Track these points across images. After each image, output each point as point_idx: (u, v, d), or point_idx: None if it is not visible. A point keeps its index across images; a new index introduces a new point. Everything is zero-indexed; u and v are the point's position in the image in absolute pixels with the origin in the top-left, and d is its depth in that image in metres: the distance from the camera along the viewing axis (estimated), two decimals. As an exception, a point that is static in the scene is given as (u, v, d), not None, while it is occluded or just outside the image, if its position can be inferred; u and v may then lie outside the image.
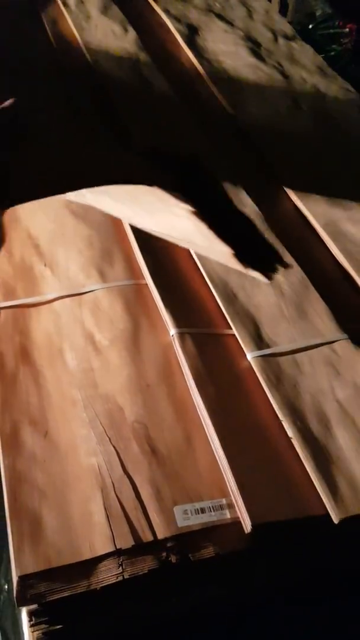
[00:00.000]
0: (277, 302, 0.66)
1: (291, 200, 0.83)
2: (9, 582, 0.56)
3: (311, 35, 1.99)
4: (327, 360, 0.60)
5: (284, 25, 1.30)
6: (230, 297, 0.66)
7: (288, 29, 1.29)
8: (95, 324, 0.64)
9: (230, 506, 0.50)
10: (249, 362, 0.60)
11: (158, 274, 0.68)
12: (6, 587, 0.57)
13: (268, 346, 0.61)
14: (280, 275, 0.69)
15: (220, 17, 1.26)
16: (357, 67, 1.99)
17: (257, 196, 0.79)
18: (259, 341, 0.61)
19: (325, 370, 0.59)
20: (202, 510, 0.49)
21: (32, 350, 0.61)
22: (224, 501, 0.50)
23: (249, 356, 0.60)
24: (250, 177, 0.84)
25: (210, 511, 0.49)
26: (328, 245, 0.77)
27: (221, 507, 0.49)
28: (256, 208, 0.78)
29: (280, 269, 0.69)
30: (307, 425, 0.54)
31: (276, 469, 0.52)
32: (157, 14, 1.24)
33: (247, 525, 0.48)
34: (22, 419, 0.55)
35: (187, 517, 0.48)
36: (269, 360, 0.60)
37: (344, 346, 0.62)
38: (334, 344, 0.62)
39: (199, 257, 0.70)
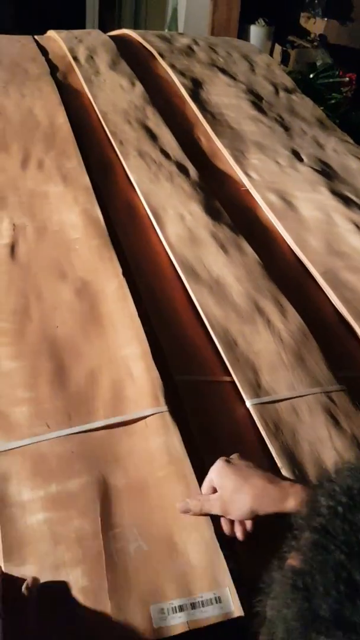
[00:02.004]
0: (277, 350, 0.67)
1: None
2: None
3: (312, 85, 2.07)
4: (326, 409, 0.61)
5: (284, 78, 1.36)
6: (231, 344, 0.67)
7: (288, 82, 1.34)
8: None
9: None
10: (248, 409, 0.61)
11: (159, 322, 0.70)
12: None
13: (267, 393, 0.62)
14: (280, 323, 0.71)
15: (224, 71, 1.32)
16: (357, 114, 2.07)
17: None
18: (258, 388, 0.62)
19: (323, 419, 0.60)
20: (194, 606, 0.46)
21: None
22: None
23: (248, 403, 0.61)
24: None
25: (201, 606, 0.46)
26: (327, 293, 0.79)
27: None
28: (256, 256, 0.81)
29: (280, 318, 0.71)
30: (305, 474, 0.55)
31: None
32: (163, 69, 1.30)
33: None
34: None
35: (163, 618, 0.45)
36: (268, 408, 0.61)
37: (342, 395, 0.63)
38: (332, 393, 0.63)
39: (200, 304, 0.72)
